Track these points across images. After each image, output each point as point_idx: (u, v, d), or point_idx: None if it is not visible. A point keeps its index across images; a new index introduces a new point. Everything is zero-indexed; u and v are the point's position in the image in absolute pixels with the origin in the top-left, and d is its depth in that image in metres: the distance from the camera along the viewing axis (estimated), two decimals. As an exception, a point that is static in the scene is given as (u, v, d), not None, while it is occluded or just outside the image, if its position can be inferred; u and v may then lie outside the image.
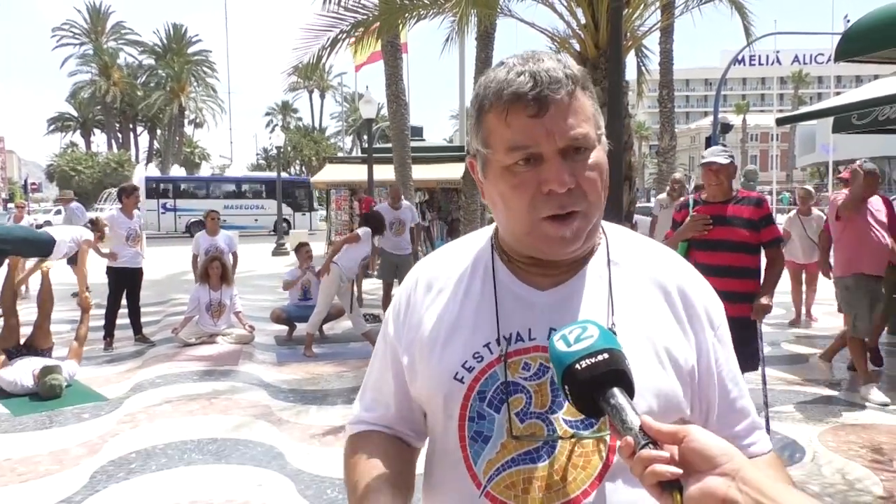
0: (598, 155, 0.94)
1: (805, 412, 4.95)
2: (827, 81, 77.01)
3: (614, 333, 0.86)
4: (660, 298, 1.00)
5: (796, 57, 70.82)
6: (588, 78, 0.95)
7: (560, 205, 0.91)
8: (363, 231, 7.37)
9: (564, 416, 0.94)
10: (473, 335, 1.00)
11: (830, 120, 9.76)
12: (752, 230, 4.05)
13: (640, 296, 1.00)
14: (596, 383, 0.79)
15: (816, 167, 50.02)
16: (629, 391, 0.80)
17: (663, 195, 9.01)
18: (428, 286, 1.08)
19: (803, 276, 8.40)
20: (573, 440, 0.94)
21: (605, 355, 0.80)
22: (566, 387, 0.81)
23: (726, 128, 20.01)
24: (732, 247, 4.04)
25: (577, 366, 0.79)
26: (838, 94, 11.76)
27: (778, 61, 69.33)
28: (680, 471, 0.72)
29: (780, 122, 10.02)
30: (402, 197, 9.60)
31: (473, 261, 1.07)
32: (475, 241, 1.11)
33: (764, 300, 4.04)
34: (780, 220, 9.62)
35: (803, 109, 12.53)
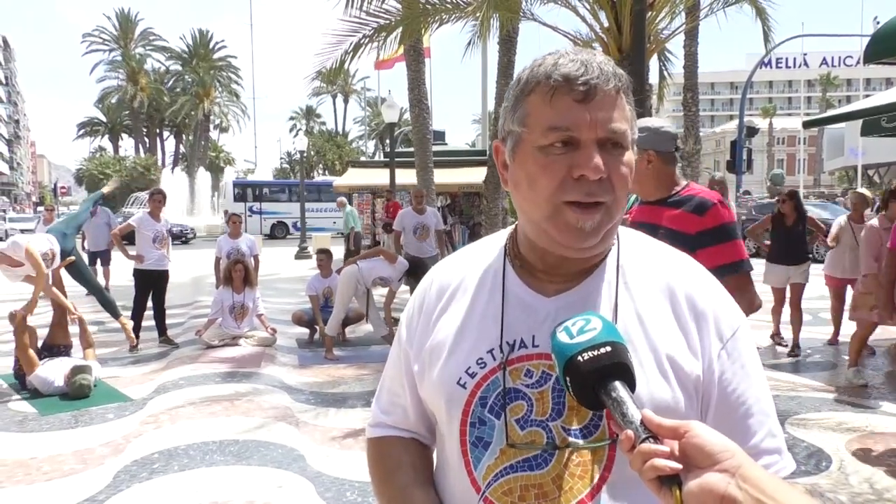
0: (630, 156, 0.94)
1: (832, 420, 4.85)
2: (856, 84, 75.86)
3: None
4: (667, 306, 0.97)
5: (824, 59, 69.97)
6: (630, 86, 0.95)
7: (588, 192, 0.90)
8: (403, 263, 7.45)
9: (563, 425, 0.93)
10: (478, 341, 1.00)
11: (859, 123, 9.59)
12: (687, 250, 2.47)
13: (647, 303, 0.98)
14: (598, 376, 0.78)
15: (845, 171, 49.23)
16: (631, 385, 0.79)
17: None
18: (440, 291, 1.09)
19: (847, 292, 7.03)
20: (571, 449, 0.93)
21: (608, 348, 0.79)
22: (567, 378, 0.80)
23: (752, 131, 19.78)
24: None
25: (580, 358, 0.79)
26: (867, 96, 11.57)
27: (805, 64, 68.46)
28: (680, 466, 0.72)
29: (807, 124, 9.87)
30: (425, 201, 9.47)
31: (485, 266, 1.07)
32: (489, 246, 1.11)
33: None
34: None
35: (831, 112, 12.33)
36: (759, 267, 6.97)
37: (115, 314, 7.35)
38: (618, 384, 0.77)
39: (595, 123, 0.90)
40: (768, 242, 7.32)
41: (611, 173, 0.91)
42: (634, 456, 0.73)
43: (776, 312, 7.39)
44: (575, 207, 0.91)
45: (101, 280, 10.39)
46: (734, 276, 2.50)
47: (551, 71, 0.91)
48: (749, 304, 2.49)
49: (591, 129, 0.90)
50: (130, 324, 7.18)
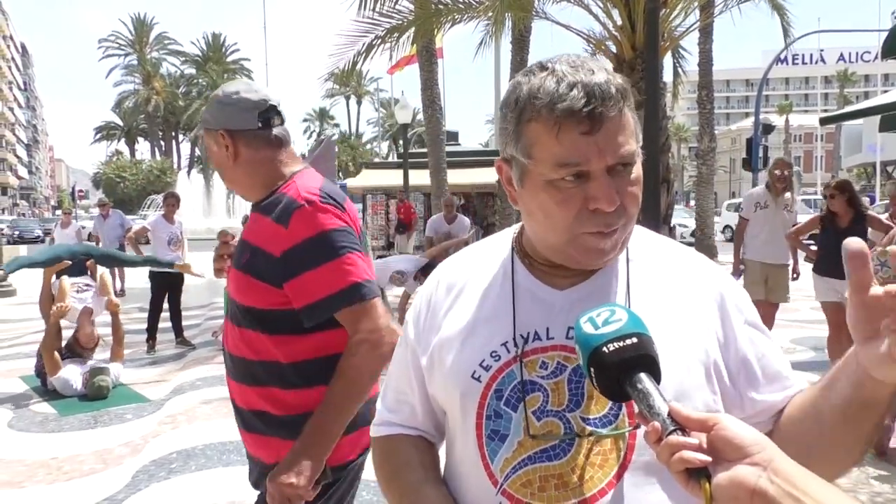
0: (638, 169, 0.94)
1: (852, 419, 4.78)
2: (874, 80, 74.93)
3: None
4: (678, 294, 0.99)
5: (841, 55, 69.08)
6: (630, 89, 0.93)
7: (606, 223, 0.91)
8: (419, 259, 7.68)
9: (582, 414, 0.94)
10: (491, 334, 1.00)
11: (877, 119, 9.49)
12: (265, 281, 1.63)
13: (659, 293, 0.99)
14: (623, 367, 0.78)
15: (863, 168, 48.65)
16: (656, 377, 0.78)
17: (759, 188, 6.25)
18: (448, 288, 1.09)
19: None
20: (591, 438, 0.93)
21: (634, 339, 0.79)
22: (591, 370, 0.80)
23: (768, 129, 19.56)
24: (242, 317, 1.70)
25: (605, 349, 0.78)
26: (885, 92, 11.44)
27: (822, 60, 67.70)
28: (709, 458, 0.71)
29: (824, 121, 9.76)
30: (455, 210, 9.15)
31: (493, 262, 1.07)
32: (496, 243, 1.11)
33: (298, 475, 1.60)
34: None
35: (848, 108, 12.20)
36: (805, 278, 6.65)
37: (167, 265, 6.98)
38: (643, 376, 0.77)
39: (604, 153, 0.89)
40: (815, 248, 5.79)
41: (622, 198, 0.91)
42: (662, 448, 0.73)
43: (835, 343, 5.40)
44: (593, 234, 0.92)
45: (116, 282, 10.50)
46: (348, 310, 1.59)
47: (553, 101, 0.88)
48: (375, 342, 1.58)
49: (601, 159, 0.89)
50: (188, 264, 7.07)
